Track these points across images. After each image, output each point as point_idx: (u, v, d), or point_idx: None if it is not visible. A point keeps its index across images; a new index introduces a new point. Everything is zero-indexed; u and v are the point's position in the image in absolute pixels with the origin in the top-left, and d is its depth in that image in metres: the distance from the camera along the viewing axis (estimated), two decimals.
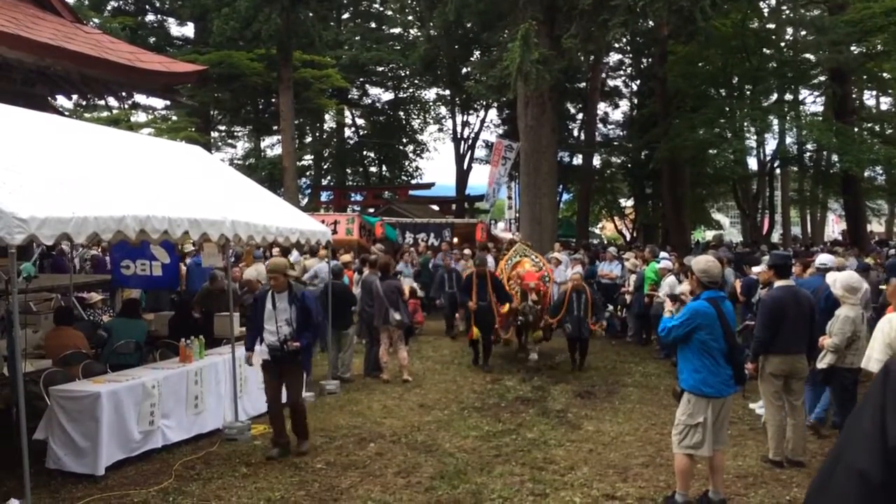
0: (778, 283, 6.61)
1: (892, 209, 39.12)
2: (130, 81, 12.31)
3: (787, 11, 26.21)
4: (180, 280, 12.15)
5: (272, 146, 38.33)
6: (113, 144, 7.63)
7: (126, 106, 22.32)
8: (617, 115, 37.04)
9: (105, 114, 24.25)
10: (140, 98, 22.09)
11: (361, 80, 36.34)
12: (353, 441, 7.34)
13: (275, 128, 32.78)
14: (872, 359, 3.80)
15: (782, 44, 25.66)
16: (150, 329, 9.02)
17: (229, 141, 39.68)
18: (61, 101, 15.70)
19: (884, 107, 31.97)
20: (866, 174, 25.20)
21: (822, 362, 6.64)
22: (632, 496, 5.72)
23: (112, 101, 14.15)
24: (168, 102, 26.21)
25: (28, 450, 5.09)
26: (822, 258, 9.11)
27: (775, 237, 33.46)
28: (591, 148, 31.55)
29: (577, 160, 33.67)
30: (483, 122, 37.67)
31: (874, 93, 31.13)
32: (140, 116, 30.24)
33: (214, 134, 35.80)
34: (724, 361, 5.21)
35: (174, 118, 30.36)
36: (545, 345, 12.12)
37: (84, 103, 20.34)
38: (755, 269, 9.67)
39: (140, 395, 6.54)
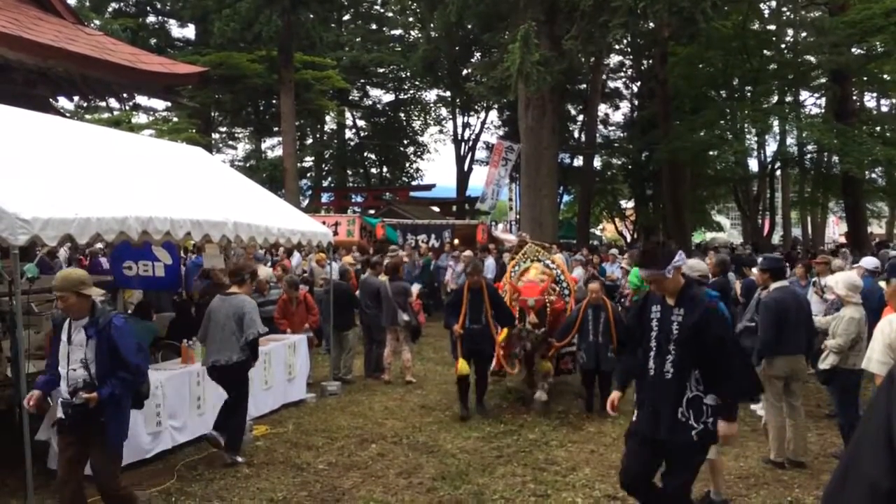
0: (775, 285, 6.62)
1: (892, 211, 39.10)
2: (132, 83, 12.30)
3: (788, 13, 26.29)
4: (180, 281, 12.14)
5: (273, 148, 38.45)
6: (114, 146, 7.65)
7: (127, 107, 22.36)
8: (617, 117, 37.17)
9: (106, 115, 24.29)
10: (141, 99, 22.17)
11: (362, 81, 36.42)
12: (355, 442, 7.34)
13: (275, 129, 32.87)
14: (872, 359, 3.81)
15: (783, 45, 25.73)
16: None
17: (230, 142, 39.78)
18: (62, 102, 15.73)
19: (884, 108, 31.99)
20: (867, 176, 25.23)
21: (825, 363, 6.63)
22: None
23: (113, 103, 14.15)
24: (169, 104, 26.28)
25: (31, 450, 5.10)
26: (867, 261, 9.40)
27: (776, 239, 33.47)
28: (592, 149, 31.62)
29: (578, 161, 33.73)
30: (484, 123, 37.80)
31: (874, 94, 31.16)
32: (141, 118, 30.34)
33: (215, 135, 35.89)
34: None
35: (175, 119, 30.41)
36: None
37: (85, 105, 20.40)
38: (754, 271, 9.68)
39: None
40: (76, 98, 14.59)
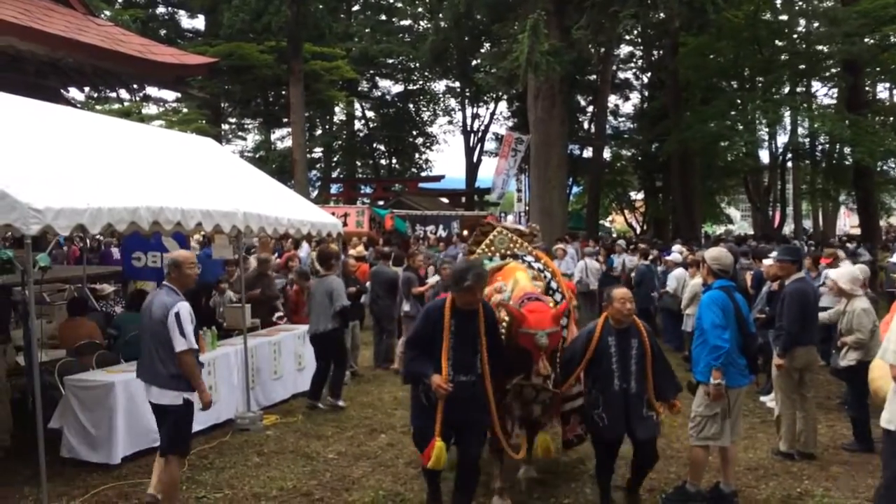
0: (795, 276, 6.57)
1: None
2: (142, 73, 12.36)
3: (800, 2, 26.05)
4: None
5: (282, 138, 38.47)
6: (125, 136, 7.68)
7: (137, 98, 22.40)
8: (627, 108, 36.95)
9: (116, 106, 24.36)
10: (151, 90, 22.11)
11: (371, 72, 36.36)
12: (364, 432, 7.37)
13: (285, 120, 32.87)
14: (889, 350, 3.75)
15: (795, 35, 25.50)
16: None
17: (240, 133, 39.81)
18: (73, 93, 15.80)
19: None
20: (879, 167, 25.07)
21: (846, 360, 6.55)
22: (643, 487, 5.72)
23: (123, 94, 14.23)
24: (179, 95, 26.32)
25: (44, 438, 5.14)
26: None
27: (786, 230, 33.32)
28: (602, 140, 31.49)
29: (588, 153, 33.60)
30: (493, 114, 37.74)
31: (887, 85, 30.91)
32: (151, 109, 30.35)
33: (225, 126, 35.91)
34: (738, 352, 5.21)
35: (185, 110, 30.46)
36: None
37: (96, 95, 20.47)
38: (765, 262, 9.64)
39: None
40: (87, 89, 14.67)
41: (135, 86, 13.11)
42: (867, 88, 26.19)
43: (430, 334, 4.78)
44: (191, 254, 5.56)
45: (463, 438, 4.84)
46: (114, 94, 14.76)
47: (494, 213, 25.00)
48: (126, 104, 23.40)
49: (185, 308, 4.96)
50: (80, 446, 6.14)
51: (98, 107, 24.49)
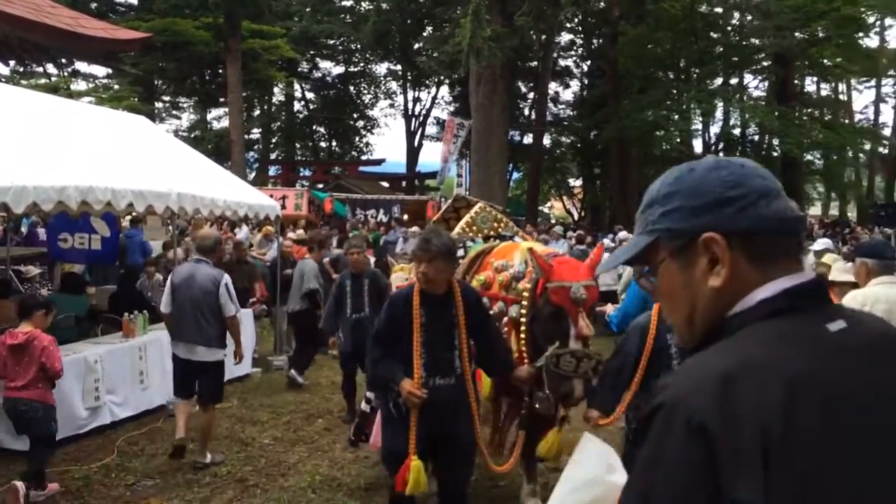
0: None
1: (828, 194, 40.42)
2: (71, 47, 11.91)
3: None
4: (118, 254, 11.86)
5: (219, 118, 37.57)
6: (52, 112, 7.39)
7: (66, 73, 21.62)
8: (567, 95, 37.36)
9: (43, 81, 23.41)
10: (81, 65, 21.39)
11: (311, 52, 35.79)
12: (301, 417, 7.32)
13: (222, 100, 32.16)
14: None
15: (729, 28, 26.19)
16: (91, 303, 8.80)
17: (174, 112, 38.64)
18: None
19: (824, 93, 32.92)
20: (805, 158, 26.04)
21: None
22: None
23: (51, 68, 13.73)
24: (110, 70, 25.48)
25: None
26: None
27: None
28: (542, 127, 31.78)
29: (528, 139, 33.89)
30: (434, 98, 37.68)
31: (815, 79, 32.05)
32: (80, 84, 29.27)
33: (158, 104, 34.87)
34: None
35: (116, 87, 29.48)
36: None
37: (21, 70, 19.65)
38: None
39: (82, 370, 6.38)
40: (12, 62, 14.05)
41: (63, 60, 12.65)
42: (796, 82, 27.11)
43: (397, 329, 3.83)
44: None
45: (444, 457, 3.89)
46: (41, 69, 14.21)
47: (435, 198, 25.00)
48: (54, 79, 22.55)
49: (229, 279, 5.96)
50: (2, 434, 5.92)
51: (24, 81, 23.41)
